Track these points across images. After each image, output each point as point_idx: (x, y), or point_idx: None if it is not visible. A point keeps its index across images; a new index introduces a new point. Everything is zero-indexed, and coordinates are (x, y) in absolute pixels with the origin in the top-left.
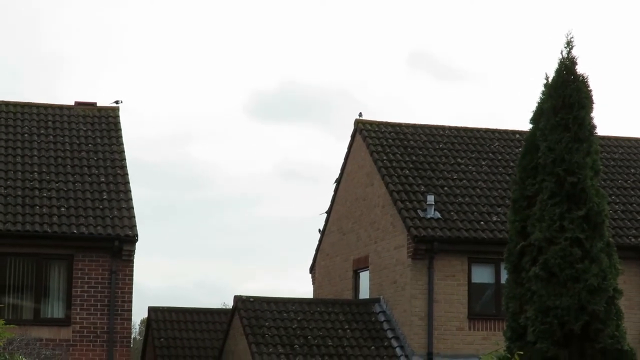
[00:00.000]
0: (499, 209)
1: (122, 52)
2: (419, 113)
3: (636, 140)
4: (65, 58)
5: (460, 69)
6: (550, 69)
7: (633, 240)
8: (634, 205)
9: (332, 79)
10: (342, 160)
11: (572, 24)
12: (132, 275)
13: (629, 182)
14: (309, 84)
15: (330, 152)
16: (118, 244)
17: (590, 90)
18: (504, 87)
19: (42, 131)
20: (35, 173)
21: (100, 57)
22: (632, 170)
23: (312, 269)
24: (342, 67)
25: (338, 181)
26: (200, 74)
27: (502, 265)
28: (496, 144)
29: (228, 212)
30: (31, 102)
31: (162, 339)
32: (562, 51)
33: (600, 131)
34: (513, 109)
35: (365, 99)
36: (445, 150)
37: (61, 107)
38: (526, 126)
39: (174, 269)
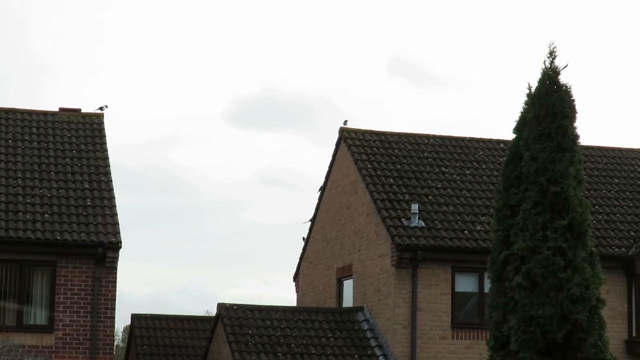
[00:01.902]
0: (483, 218)
1: (106, 58)
2: (399, 119)
3: (619, 150)
4: (50, 64)
5: (439, 75)
6: (532, 78)
7: (616, 250)
8: (617, 215)
9: (311, 86)
10: (324, 168)
11: (554, 33)
12: (115, 282)
13: (612, 192)
14: (289, 90)
15: (311, 158)
16: (101, 251)
17: (574, 100)
18: (483, 95)
19: (27, 137)
20: (19, 179)
21: (84, 64)
22: (616, 180)
23: (295, 277)
24: (321, 73)
25: (322, 189)
26: (182, 80)
27: (486, 275)
28: (480, 153)
29: (211, 218)
30: (15, 108)
31: (145, 346)
32: (545, 61)
33: (584, 141)
34: (492, 116)
35: (345, 105)
36: (429, 159)
37: (45, 113)
38: (509, 134)
39: (157, 275)
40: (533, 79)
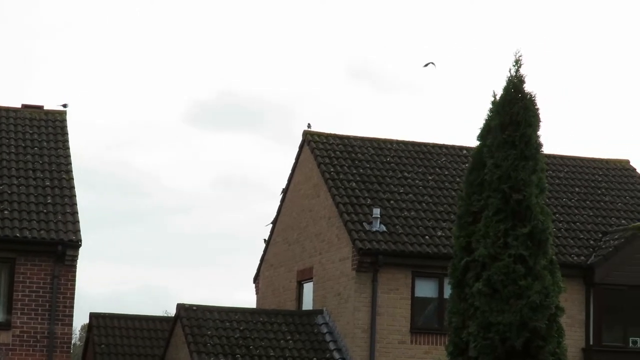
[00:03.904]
0: (444, 223)
1: (65, 57)
2: (359, 123)
3: (581, 159)
4: (13, 60)
5: (399, 81)
6: (496, 85)
7: (576, 258)
8: (577, 223)
9: (270, 89)
10: (285, 171)
11: (516, 40)
12: (74, 280)
13: (572, 200)
14: (249, 94)
15: (271, 162)
16: (61, 249)
17: (538, 109)
18: (441, 100)
19: None
20: None
21: (47, 62)
22: (577, 189)
23: (255, 279)
24: (279, 77)
25: (285, 191)
26: (141, 83)
27: (446, 280)
28: (443, 159)
29: (170, 220)
30: None
31: (102, 345)
32: (510, 69)
33: (547, 149)
34: (453, 123)
35: (304, 109)
36: (392, 164)
37: (7, 110)
38: (470, 141)
39: (115, 276)
40: (496, 87)
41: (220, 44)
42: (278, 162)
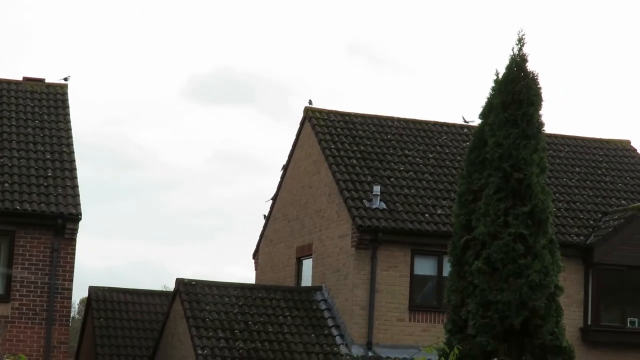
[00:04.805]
0: (444, 202)
1: (65, 31)
2: (357, 99)
3: (582, 139)
4: (14, 33)
5: (398, 59)
6: (494, 64)
7: (575, 238)
8: (577, 203)
9: (267, 66)
10: (286, 147)
11: (520, 19)
12: (74, 254)
13: (573, 180)
14: (250, 69)
15: (272, 137)
16: (61, 222)
17: (540, 88)
18: (439, 79)
19: None
20: None
21: (50, 36)
22: (577, 169)
23: (255, 255)
24: (277, 53)
25: (285, 168)
26: (139, 58)
27: (445, 258)
28: (444, 137)
29: (170, 195)
30: None
31: (101, 319)
32: (513, 48)
33: (548, 129)
34: (451, 101)
35: (303, 85)
36: (393, 142)
37: (9, 82)
38: (469, 119)
39: (114, 250)
40: (499, 65)
41: (219, 20)
42: (276, 138)
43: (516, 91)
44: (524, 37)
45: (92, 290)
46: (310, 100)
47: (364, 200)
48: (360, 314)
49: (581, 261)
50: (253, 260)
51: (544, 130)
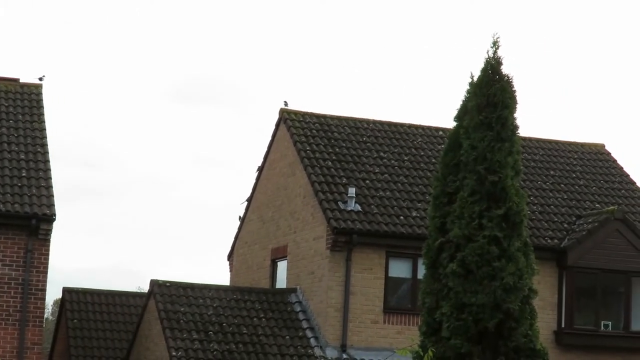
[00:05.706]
0: (419, 204)
1: (44, 29)
2: (332, 102)
3: (556, 142)
4: None
5: (372, 61)
6: (469, 67)
7: (549, 241)
8: (552, 206)
9: (246, 67)
10: (261, 148)
11: (494, 22)
12: (48, 254)
13: (547, 183)
14: (226, 71)
15: (246, 139)
16: (35, 223)
17: (515, 91)
18: (414, 82)
19: None
20: None
21: (25, 35)
22: (552, 172)
23: (230, 257)
24: (255, 54)
25: (260, 169)
26: (118, 60)
27: (420, 261)
28: (419, 139)
29: (145, 196)
30: None
31: (75, 320)
32: (488, 51)
33: (523, 132)
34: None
35: (284, 87)
36: (368, 144)
37: None
38: (446, 122)
39: (88, 251)
40: (474, 68)
41: (200, 23)
42: (252, 140)
43: (491, 94)
44: (498, 40)
45: (66, 291)
46: (285, 102)
47: (339, 202)
48: (335, 316)
49: (555, 264)
50: (228, 262)
51: (518, 133)
